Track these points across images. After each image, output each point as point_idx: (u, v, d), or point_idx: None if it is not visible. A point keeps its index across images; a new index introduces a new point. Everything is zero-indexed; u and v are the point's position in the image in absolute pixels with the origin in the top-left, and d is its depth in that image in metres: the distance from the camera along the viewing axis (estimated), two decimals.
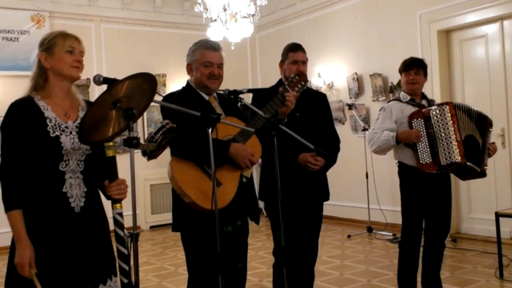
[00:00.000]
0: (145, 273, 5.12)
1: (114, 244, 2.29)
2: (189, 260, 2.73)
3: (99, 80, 2.05)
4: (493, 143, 3.68)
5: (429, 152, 3.45)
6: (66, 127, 2.14)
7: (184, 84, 2.86)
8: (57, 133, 2.11)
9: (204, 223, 2.51)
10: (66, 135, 2.12)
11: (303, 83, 2.94)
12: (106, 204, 2.22)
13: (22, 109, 2.10)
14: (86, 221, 2.15)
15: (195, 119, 2.29)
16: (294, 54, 3.22)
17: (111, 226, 2.15)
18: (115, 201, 2.07)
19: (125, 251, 1.99)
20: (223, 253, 2.27)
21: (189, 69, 2.82)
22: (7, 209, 2.04)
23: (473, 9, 5.69)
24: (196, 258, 2.68)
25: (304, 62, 3.22)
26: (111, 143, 2.04)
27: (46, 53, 2.16)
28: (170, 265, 5.51)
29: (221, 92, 2.77)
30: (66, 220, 2.10)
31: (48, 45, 2.16)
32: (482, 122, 3.57)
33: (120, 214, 2.04)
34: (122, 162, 2.16)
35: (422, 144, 3.47)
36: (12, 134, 2.08)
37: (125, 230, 2.00)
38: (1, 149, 2.10)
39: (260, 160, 3.80)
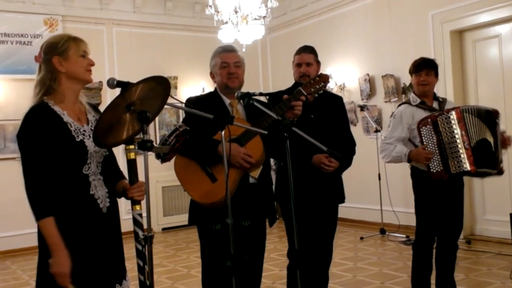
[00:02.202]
0: (158, 275, 5.13)
1: (129, 245, 2.33)
2: (202, 252, 2.85)
3: (113, 83, 2.06)
4: (504, 132, 3.56)
5: (439, 160, 3.40)
6: (85, 131, 2.17)
7: (195, 86, 2.95)
8: (81, 137, 2.13)
9: (217, 218, 2.61)
10: (88, 139, 2.15)
11: (322, 84, 2.91)
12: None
13: (41, 115, 2.09)
14: (112, 221, 2.21)
15: (210, 121, 2.32)
16: (297, 56, 3.29)
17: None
18: (135, 202, 2.10)
19: (144, 251, 2.01)
20: (237, 254, 2.28)
21: (212, 76, 2.95)
22: (38, 217, 2.00)
23: (486, 9, 5.64)
24: (207, 251, 2.78)
25: (309, 64, 3.22)
26: (131, 146, 2.05)
27: (60, 57, 2.16)
28: (182, 267, 5.52)
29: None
30: (96, 221, 2.14)
31: (62, 49, 2.16)
32: (490, 119, 3.47)
33: (140, 215, 2.07)
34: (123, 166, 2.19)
35: (433, 153, 3.43)
36: (35, 141, 2.05)
37: (139, 233, 2.02)
38: (24, 158, 2.06)
39: (273, 163, 3.80)
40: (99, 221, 2.15)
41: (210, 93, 2.97)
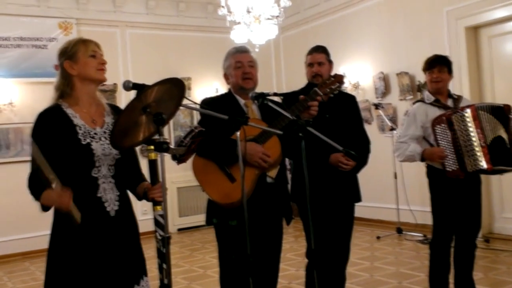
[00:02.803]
0: (174, 275, 5.12)
1: (145, 245, 2.33)
2: (219, 251, 2.85)
3: (129, 86, 2.08)
4: None
5: (455, 158, 3.37)
6: (95, 134, 2.18)
7: (208, 87, 2.96)
8: (88, 140, 2.15)
9: (235, 217, 2.62)
10: (96, 142, 2.16)
11: (337, 84, 2.90)
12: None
13: (51, 117, 2.15)
14: (120, 224, 2.20)
15: (225, 121, 2.32)
16: (309, 56, 3.28)
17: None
18: (156, 203, 2.11)
19: (165, 252, 2.02)
20: (253, 255, 2.28)
21: (226, 77, 2.94)
22: (38, 198, 2.07)
23: (502, 4, 5.56)
24: (224, 250, 2.79)
25: (320, 63, 3.22)
26: (151, 146, 2.07)
27: (70, 60, 2.20)
28: (198, 267, 5.54)
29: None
30: (103, 224, 2.15)
31: (71, 52, 2.20)
32: (503, 115, 3.43)
33: (162, 216, 2.09)
34: (144, 166, 2.20)
35: (448, 151, 3.39)
36: (41, 142, 2.09)
37: (157, 233, 2.03)
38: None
39: (288, 162, 3.79)
40: (106, 224, 2.15)
41: (224, 94, 2.97)
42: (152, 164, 2.09)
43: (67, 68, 2.20)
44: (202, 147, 2.64)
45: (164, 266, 2.02)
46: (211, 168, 2.70)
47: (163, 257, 2.02)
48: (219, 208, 2.71)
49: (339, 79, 2.91)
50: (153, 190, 2.12)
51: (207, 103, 2.84)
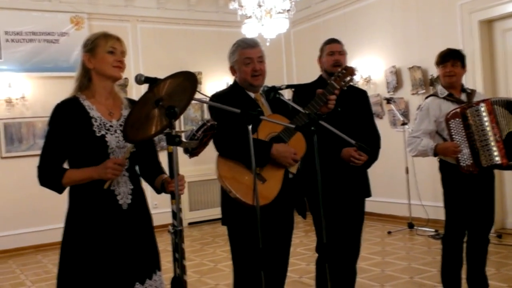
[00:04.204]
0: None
1: (160, 239, 2.33)
2: (235, 255, 2.77)
3: (141, 79, 2.08)
4: None
5: (469, 153, 3.34)
6: (111, 126, 2.19)
7: (219, 81, 2.91)
8: (103, 132, 2.16)
9: (251, 218, 2.51)
10: (111, 134, 2.17)
11: (350, 77, 2.89)
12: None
13: (67, 109, 2.17)
14: (133, 218, 2.21)
15: (238, 116, 2.30)
16: (330, 45, 3.25)
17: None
18: (174, 196, 2.10)
19: (180, 244, 2.02)
20: (265, 249, 2.28)
21: (233, 70, 2.88)
22: (61, 189, 2.15)
23: None
24: (242, 253, 2.72)
25: (341, 53, 3.21)
26: None
27: (89, 54, 2.22)
28: (209, 261, 5.55)
29: (263, 87, 2.79)
30: (114, 217, 2.16)
31: (91, 46, 2.22)
32: None
33: (179, 209, 2.08)
34: (162, 159, 2.19)
35: (462, 146, 3.36)
36: (55, 132, 2.16)
37: (169, 227, 2.03)
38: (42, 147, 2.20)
39: None
40: (117, 217, 2.16)
41: (233, 88, 2.88)
42: (171, 157, 2.08)
43: (85, 61, 2.23)
44: (228, 148, 2.62)
45: (177, 254, 2.01)
46: (238, 170, 2.61)
47: (177, 250, 2.03)
48: (238, 209, 2.62)
49: (351, 71, 2.90)
50: (172, 183, 2.11)
51: (218, 97, 2.76)
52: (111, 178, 2.09)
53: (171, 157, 2.06)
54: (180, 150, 2.09)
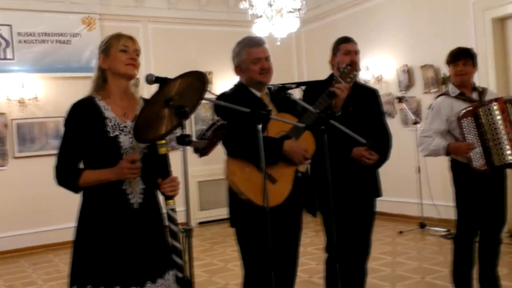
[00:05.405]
0: (195, 268, 5.17)
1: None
2: (245, 256, 2.76)
3: (151, 79, 2.09)
4: None
5: (482, 152, 3.31)
6: (125, 127, 2.21)
7: (230, 81, 2.89)
8: (116, 132, 2.18)
9: (260, 218, 2.49)
10: (125, 135, 2.19)
11: (355, 73, 2.89)
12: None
13: (82, 109, 2.20)
14: (144, 217, 2.22)
15: (247, 116, 2.30)
16: (346, 45, 3.20)
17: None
18: (168, 198, 2.14)
19: (179, 246, 2.07)
20: (274, 248, 2.27)
21: (238, 70, 2.85)
22: (77, 189, 2.18)
23: None
24: (252, 254, 2.71)
25: (357, 52, 3.19)
26: (163, 141, 2.11)
27: (103, 55, 2.26)
28: (219, 260, 5.56)
29: (270, 87, 2.78)
30: (125, 216, 2.18)
31: (105, 47, 2.26)
32: None
33: (173, 210, 2.13)
34: (172, 159, 2.21)
35: (474, 145, 3.33)
36: (70, 133, 2.19)
37: (179, 226, 2.04)
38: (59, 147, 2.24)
39: None
40: (128, 216, 2.17)
41: (238, 88, 2.85)
42: (163, 159, 2.11)
43: (100, 62, 2.26)
44: (238, 148, 2.60)
45: (185, 259, 2.03)
46: (248, 171, 2.57)
47: (178, 252, 2.07)
48: (247, 211, 2.61)
49: (355, 67, 2.91)
50: (163, 185, 2.14)
51: (225, 98, 2.73)
52: (132, 177, 2.13)
53: (163, 159, 2.10)
54: (189, 149, 2.10)
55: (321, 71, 3.40)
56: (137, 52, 2.28)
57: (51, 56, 6.94)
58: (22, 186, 6.65)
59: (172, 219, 2.12)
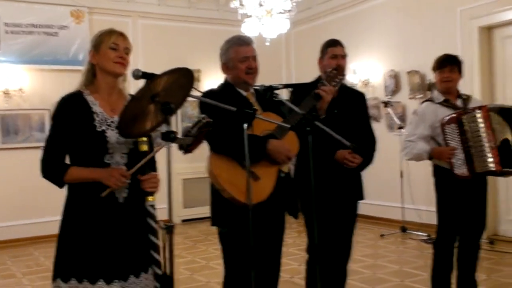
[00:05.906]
0: (176, 266, 5.16)
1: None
2: (226, 255, 2.76)
3: (138, 74, 2.09)
4: None
5: (464, 159, 3.35)
6: (112, 122, 2.21)
7: (218, 80, 2.89)
8: (104, 127, 2.19)
9: (243, 218, 2.49)
10: (112, 130, 2.19)
11: (340, 77, 2.92)
12: None
13: (70, 103, 2.20)
14: (129, 212, 2.22)
15: (232, 114, 2.30)
16: (333, 48, 3.21)
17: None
18: (147, 194, 2.16)
19: (158, 242, 2.09)
20: (256, 248, 2.28)
21: (225, 68, 2.84)
22: (62, 183, 2.18)
23: None
24: (233, 253, 2.71)
25: (344, 56, 3.21)
26: (144, 138, 2.13)
27: (94, 50, 2.26)
28: (201, 258, 5.56)
29: (257, 87, 2.78)
30: (111, 210, 2.18)
31: (96, 42, 2.25)
32: (510, 117, 3.39)
33: (153, 206, 2.15)
34: (157, 156, 2.22)
35: (457, 151, 3.37)
36: (58, 126, 2.19)
37: (161, 222, 2.05)
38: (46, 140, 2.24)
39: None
40: (113, 210, 2.18)
41: (224, 86, 2.85)
42: (143, 156, 2.12)
43: (90, 57, 2.27)
44: (222, 144, 2.60)
45: (165, 256, 2.04)
46: (231, 168, 2.57)
47: (157, 248, 2.09)
48: (230, 210, 2.61)
49: (341, 71, 2.94)
50: (142, 181, 2.16)
51: (211, 95, 2.69)
52: (113, 187, 2.12)
53: (144, 156, 2.11)
54: (174, 146, 2.11)
55: (310, 73, 3.41)
56: (127, 50, 2.28)
57: (38, 48, 6.86)
58: (5, 179, 6.58)
59: (151, 216, 2.13)
